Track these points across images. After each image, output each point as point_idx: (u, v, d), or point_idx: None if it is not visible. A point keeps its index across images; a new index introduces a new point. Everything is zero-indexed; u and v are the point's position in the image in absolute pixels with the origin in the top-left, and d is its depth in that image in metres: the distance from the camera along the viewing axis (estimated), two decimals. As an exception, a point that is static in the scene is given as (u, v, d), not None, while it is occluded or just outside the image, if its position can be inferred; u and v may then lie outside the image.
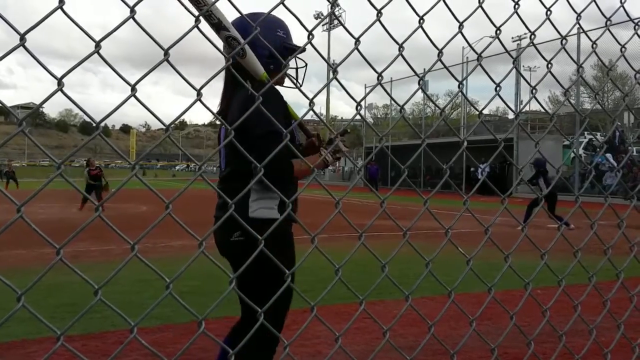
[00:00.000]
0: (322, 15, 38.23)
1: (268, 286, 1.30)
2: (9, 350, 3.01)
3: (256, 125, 1.48)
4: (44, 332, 3.18)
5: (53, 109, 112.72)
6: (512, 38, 31.96)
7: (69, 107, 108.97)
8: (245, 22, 1.21)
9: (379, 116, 54.83)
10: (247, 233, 1.13)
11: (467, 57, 25.82)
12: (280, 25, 1.72)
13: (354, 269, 4.67)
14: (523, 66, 32.49)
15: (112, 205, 10.39)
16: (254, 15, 1.52)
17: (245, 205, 1.19)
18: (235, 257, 1.07)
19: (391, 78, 27.99)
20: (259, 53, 1.49)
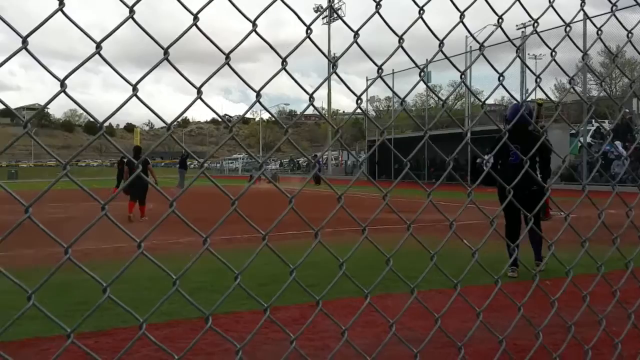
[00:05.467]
0: (322, 8, 37.96)
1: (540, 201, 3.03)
2: (23, 348, 3.06)
3: (549, 149, 3.37)
4: (57, 330, 3.23)
5: (58, 110, 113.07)
6: (517, 26, 31.48)
7: (74, 107, 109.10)
8: (515, 108, 4.91)
9: (381, 109, 54.54)
10: (538, 185, 4.07)
11: (470, 47, 25.47)
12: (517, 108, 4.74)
13: (361, 264, 4.68)
14: (528, 54, 32.01)
15: (121, 203, 10.47)
16: (516, 105, 5.02)
17: (536, 175, 3.88)
18: (533, 196, 3.15)
19: (393, 70, 27.69)
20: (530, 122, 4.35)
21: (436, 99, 39.12)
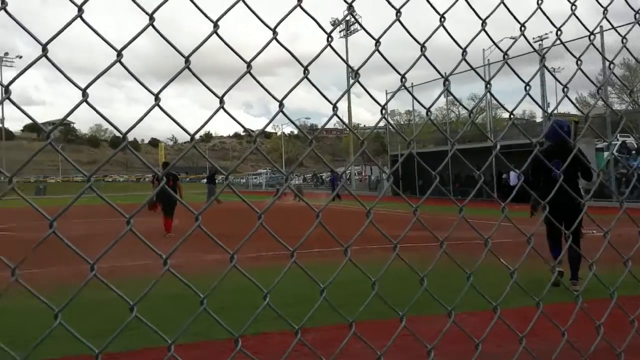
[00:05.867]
0: (338, 21, 38.56)
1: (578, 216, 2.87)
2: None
3: (588, 161, 4.91)
4: (85, 350, 3.21)
5: (84, 125, 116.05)
6: (533, 39, 31.18)
7: (99, 122, 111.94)
8: (554, 125, 4.89)
9: (401, 123, 54.42)
10: (578, 201, 3.02)
11: (488, 60, 25.18)
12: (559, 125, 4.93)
13: (390, 282, 4.55)
14: (546, 67, 31.42)
15: (146, 219, 10.64)
16: (560, 122, 5.06)
17: (579, 190, 4.74)
18: (575, 209, 2.86)
19: (412, 83, 27.57)
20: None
21: (457, 113, 38.55)
